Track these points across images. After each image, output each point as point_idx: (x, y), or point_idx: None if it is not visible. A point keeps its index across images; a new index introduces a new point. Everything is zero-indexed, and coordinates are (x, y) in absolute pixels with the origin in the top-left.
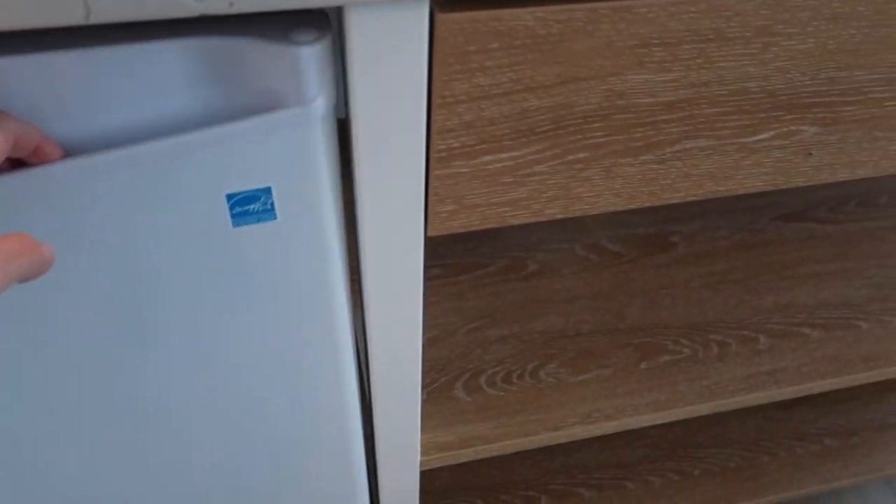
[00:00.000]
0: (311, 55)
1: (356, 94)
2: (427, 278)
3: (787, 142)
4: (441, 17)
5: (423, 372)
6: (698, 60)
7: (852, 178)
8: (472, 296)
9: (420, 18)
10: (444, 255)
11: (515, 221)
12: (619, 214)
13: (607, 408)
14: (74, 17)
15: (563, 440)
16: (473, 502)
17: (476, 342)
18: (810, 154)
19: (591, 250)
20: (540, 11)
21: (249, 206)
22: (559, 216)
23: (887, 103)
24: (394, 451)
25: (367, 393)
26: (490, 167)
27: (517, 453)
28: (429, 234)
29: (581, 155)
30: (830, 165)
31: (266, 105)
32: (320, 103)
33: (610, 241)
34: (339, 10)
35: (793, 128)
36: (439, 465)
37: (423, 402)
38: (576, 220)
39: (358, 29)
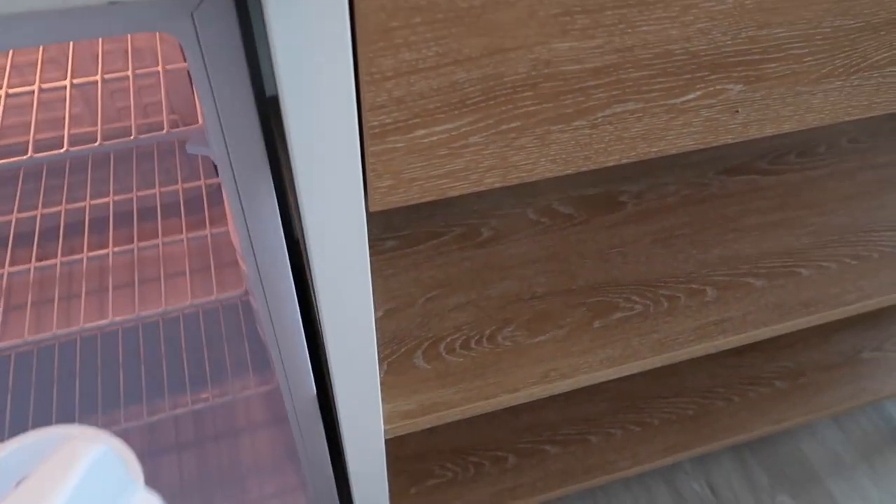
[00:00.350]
0: None
1: (282, 75)
2: (383, 251)
3: (714, 101)
4: None
5: (381, 344)
6: (620, 26)
7: (779, 132)
8: (428, 266)
9: None
10: (399, 227)
11: (455, 193)
12: (569, 176)
13: (563, 367)
14: None
15: (522, 401)
16: (443, 465)
17: (434, 311)
18: (737, 112)
19: (543, 213)
20: None
21: None
22: (498, 185)
23: (806, 59)
24: (357, 422)
25: (326, 365)
26: (425, 141)
27: (484, 415)
28: (370, 209)
29: (514, 124)
30: (758, 122)
31: None
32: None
33: (561, 203)
34: None
35: (718, 87)
36: (404, 433)
37: (384, 372)
38: (527, 183)
39: (277, 10)
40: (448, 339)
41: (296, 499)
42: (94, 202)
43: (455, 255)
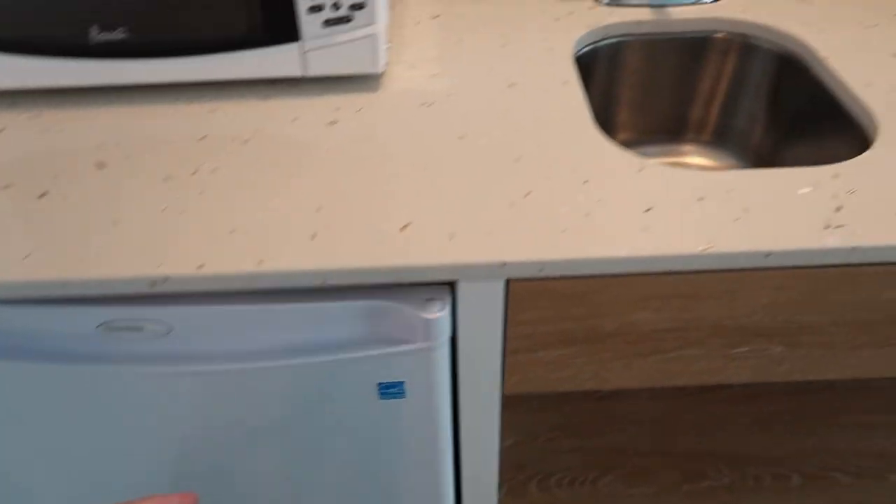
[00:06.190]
0: (436, 322)
1: (462, 328)
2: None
3: (761, 355)
4: (513, 283)
5: (504, 470)
6: (682, 309)
7: (821, 378)
8: (552, 411)
9: (498, 287)
10: None
11: (563, 389)
12: None
13: None
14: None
15: None
16: None
17: (551, 449)
18: (781, 364)
19: None
20: (569, 281)
21: (390, 389)
22: (593, 388)
23: (837, 336)
24: None
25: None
26: (544, 358)
27: None
28: (505, 392)
29: (607, 355)
30: (801, 370)
31: (410, 335)
32: (439, 340)
33: None
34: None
35: (764, 346)
36: None
37: (504, 493)
38: None
39: (464, 291)
40: (558, 476)
41: None
42: None
43: (577, 405)
